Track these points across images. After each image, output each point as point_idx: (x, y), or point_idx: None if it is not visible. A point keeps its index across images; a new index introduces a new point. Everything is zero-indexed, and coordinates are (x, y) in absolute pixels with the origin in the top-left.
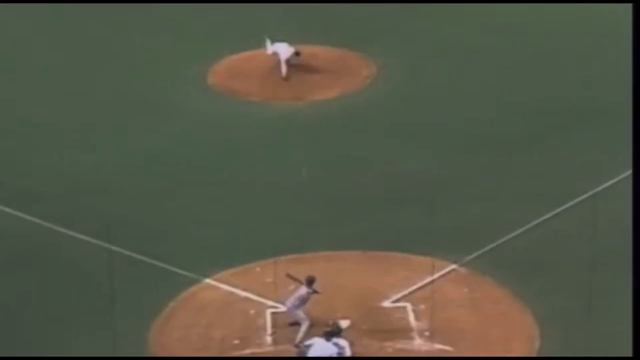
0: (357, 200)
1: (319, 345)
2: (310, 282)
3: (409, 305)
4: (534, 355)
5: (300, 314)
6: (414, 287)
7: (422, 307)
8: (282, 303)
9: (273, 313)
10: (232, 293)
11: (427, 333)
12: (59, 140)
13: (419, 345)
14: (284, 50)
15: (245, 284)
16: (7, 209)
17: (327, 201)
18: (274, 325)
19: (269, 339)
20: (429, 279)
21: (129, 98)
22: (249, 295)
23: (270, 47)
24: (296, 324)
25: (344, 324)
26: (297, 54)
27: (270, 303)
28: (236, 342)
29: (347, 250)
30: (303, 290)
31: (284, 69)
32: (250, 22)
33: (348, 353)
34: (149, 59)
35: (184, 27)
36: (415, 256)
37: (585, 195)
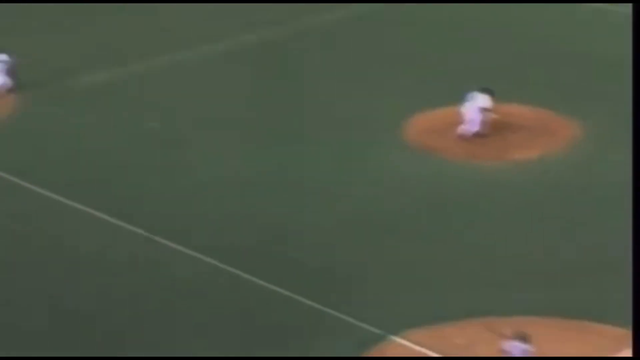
0: (553, 265)
1: None
2: (522, 339)
3: None
4: None
5: None
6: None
7: None
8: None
9: None
10: (420, 353)
11: None
12: (252, 191)
13: None
14: (481, 101)
15: (434, 344)
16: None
17: (522, 265)
18: None
19: None
20: (625, 352)
21: (322, 154)
22: (437, 356)
23: (474, 106)
24: None
25: None
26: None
27: None
28: None
29: (540, 316)
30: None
31: (481, 125)
32: (444, 79)
33: None
34: (343, 116)
35: (379, 83)
36: (611, 327)
37: None
